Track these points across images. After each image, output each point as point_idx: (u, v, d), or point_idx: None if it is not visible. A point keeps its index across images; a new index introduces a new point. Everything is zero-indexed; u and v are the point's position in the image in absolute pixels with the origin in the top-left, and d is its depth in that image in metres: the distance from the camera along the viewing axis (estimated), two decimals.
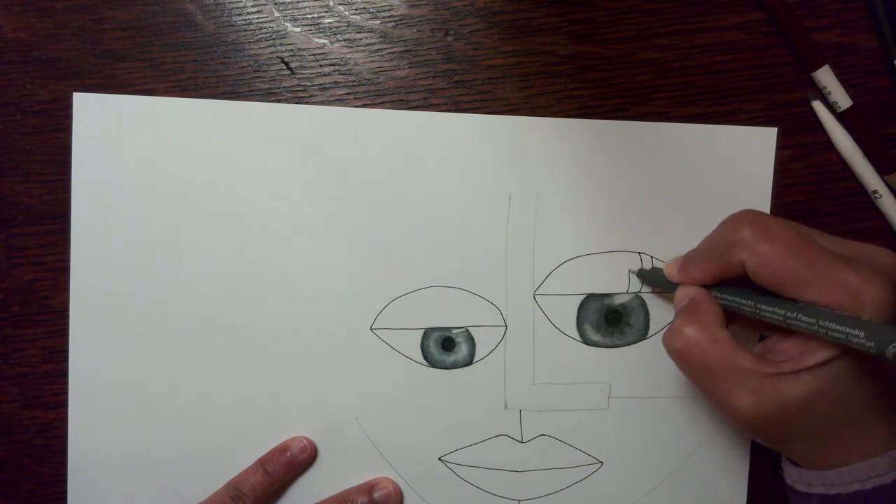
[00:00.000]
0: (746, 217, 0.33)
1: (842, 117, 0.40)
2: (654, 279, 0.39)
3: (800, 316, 0.30)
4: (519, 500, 0.41)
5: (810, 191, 0.41)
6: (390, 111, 0.39)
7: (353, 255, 0.40)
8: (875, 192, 0.40)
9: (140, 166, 0.39)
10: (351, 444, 0.40)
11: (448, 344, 0.40)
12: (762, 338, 0.36)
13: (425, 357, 0.40)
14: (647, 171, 0.40)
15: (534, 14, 0.40)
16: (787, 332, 0.32)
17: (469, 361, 0.40)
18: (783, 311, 0.30)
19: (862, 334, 0.27)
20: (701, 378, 0.33)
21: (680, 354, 0.33)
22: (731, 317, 0.35)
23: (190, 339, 0.39)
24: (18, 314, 0.40)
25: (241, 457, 0.40)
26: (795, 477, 0.34)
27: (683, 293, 0.35)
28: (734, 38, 0.40)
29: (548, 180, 0.40)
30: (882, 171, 0.40)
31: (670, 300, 0.40)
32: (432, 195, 0.40)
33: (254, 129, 0.39)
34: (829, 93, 0.40)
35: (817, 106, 0.40)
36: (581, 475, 0.41)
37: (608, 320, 0.40)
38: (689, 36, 0.40)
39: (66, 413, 0.39)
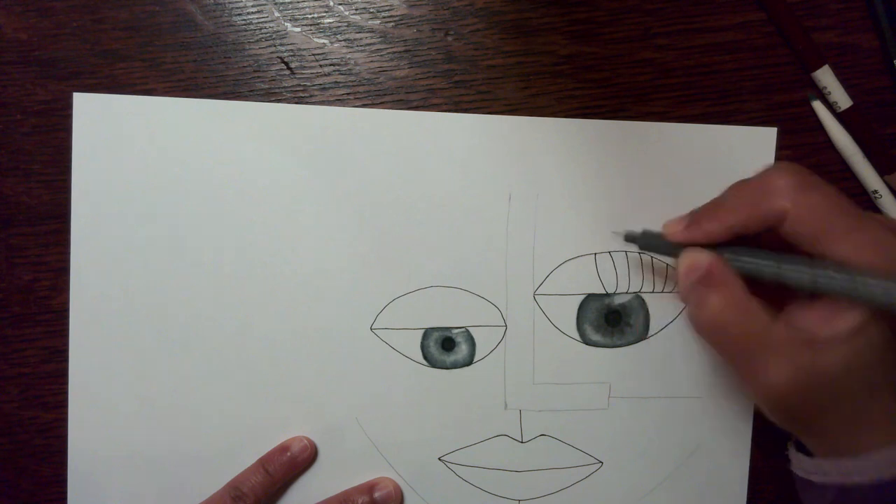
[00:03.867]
0: (786, 166, 0.31)
1: (842, 117, 0.40)
2: (648, 242, 0.35)
3: (832, 273, 0.28)
4: (519, 500, 0.41)
5: None
6: (390, 111, 0.39)
7: (353, 254, 0.40)
8: (875, 192, 0.40)
9: (140, 166, 0.39)
10: (351, 444, 0.40)
11: (448, 344, 0.40)
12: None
13: (425, 357, 0.40)
14: (647, 171, 0.40)
15: (534, 14, 0.40)
16: (808, 299, 0.31)
17: (469, 361, 0.40)
18: (812, 270, 0.29)
19: None
20: (734, 351, 0.31)
21: (711, 327, 0.31)
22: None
23: (190, 339, 0.39)
24: (18, 314, 0.40)
25: (241, 457, 0.40)
26: (809, 467, 0.32)
27: (691, 259, 0.32)
28: (734, 38, 0.40)
29: (548, 180, 0.40)
30: (882, 171, 0.40)
31: (669, 300, 0.40)
32: (432, 195, 0.40)
33: (254, 129, 0.39)
34: (829, 93, 0.40)
35: (817, 106, 0.40)
36: (581, 475, 0.41)
37: (608, 320, 0.40)
38: (689, 36, 0.40)
39: (66, 413, 0.39)
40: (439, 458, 0.41)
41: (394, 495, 0.40)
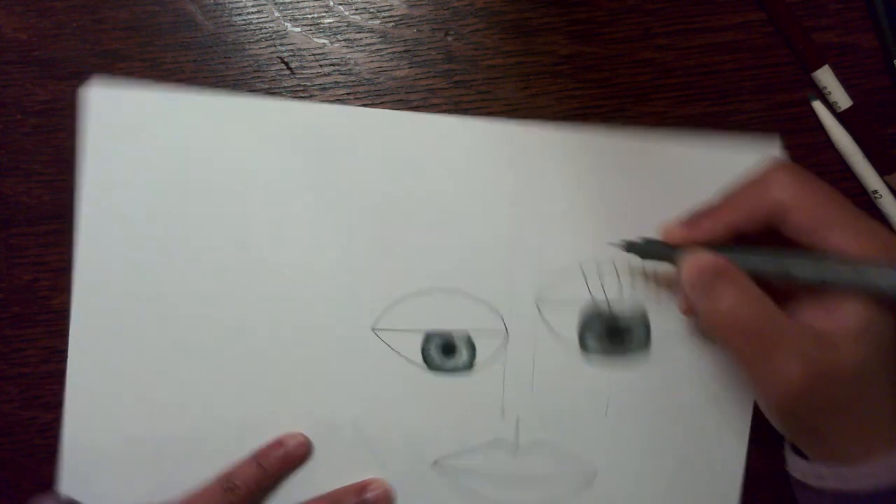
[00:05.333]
0: (783, 163, 0.32)
1: (842, 117, 0.40)
2: (647, 250, 0.35)
3: (836, 265, 0.28)
4: None
5: None
6: (390, 111, 0.39)
7: (354, 255, 0.40)
8: (875, 192, 0.40)
9: (145, 164, 0.39)
10: (347, 444, 0.40)
11: (448, 348, 0.40)
12: None
13: (425, 361, 0.40)
14: (648, 177, 0.40)
15: (534, 14, 0.40)
16: (810, 296, 0.31)
17: (469, 366, 0.40)
18: (817, 263, 0.28)
19: None
20: (748, 348, 0.30)
21: (726, 323, 0.31)
22: None
23: (190, 339, 0.39)
24: (18, 314, 0.40)
25: (240, 456, 0.39)
26: (806, 470, 0.32)
27: (696, 259, 0.32)
28: (734, 38, 0.40)
29: (549, 187, 0.40)
30: (882, 171, 0.40)
31: (672, 310, 0.39)
32: (433, 196, 0.40)
33: (254, 128, 0.39)
34: (829, 93, 0.40)
35: (817, 106, 0.40)
36: (577, 483, 0.41)
37: (609, 330, 0.40)
38: (689, 36, 0.40)
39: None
40: (434, 462, 0.40)
41: (385, 497, 0.39)
